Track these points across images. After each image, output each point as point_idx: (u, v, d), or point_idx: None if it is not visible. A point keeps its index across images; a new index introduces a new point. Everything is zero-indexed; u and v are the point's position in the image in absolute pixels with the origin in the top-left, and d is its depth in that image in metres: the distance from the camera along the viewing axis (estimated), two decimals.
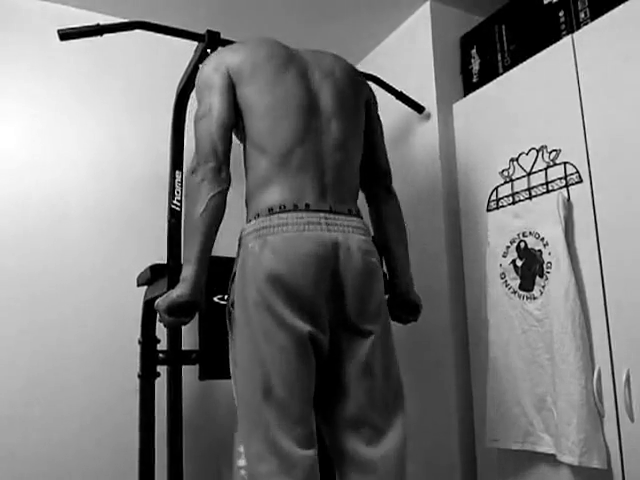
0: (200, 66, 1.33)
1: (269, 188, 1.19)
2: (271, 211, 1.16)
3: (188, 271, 1.14)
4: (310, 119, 1.23)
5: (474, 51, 1.97)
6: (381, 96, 1.98)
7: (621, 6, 1.41)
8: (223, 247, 1.59)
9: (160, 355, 1.53)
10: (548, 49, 1.60)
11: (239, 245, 1.21)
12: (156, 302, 1.17)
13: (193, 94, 1.73)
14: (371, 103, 1.41)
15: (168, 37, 1.59)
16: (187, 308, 1.16)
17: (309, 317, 1.12)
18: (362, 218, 1.26)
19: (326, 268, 1.14)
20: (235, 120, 1.24)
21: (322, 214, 1.17)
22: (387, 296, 1.40)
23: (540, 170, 1.58)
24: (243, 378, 1.14)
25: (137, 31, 1.55)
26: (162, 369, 1.59)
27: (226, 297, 1.25)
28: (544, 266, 1.51)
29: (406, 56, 2.12)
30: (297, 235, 1.14)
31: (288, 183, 1.18)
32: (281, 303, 1.10)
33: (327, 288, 1.14)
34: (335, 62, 1.34)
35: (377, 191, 1.41)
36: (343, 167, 1.25)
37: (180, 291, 1.14)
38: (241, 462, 1.15)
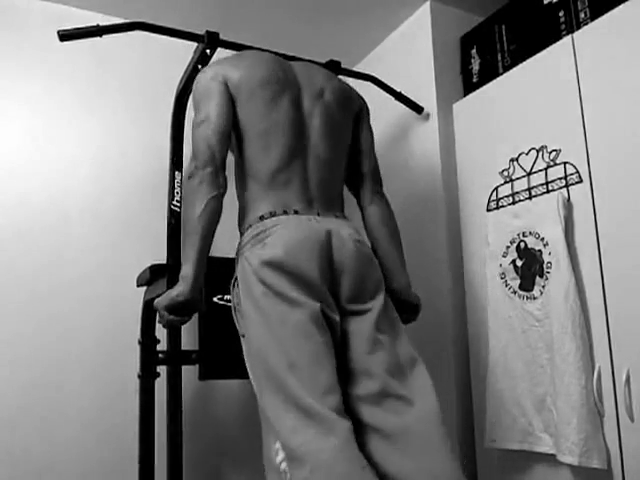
0: (197, 75, 1.34)
1: (259, 203, 1.26)
2: (262, 218, 1.23)
3: (187, 270, 1.16)
4: (298, 142, 1.30)
5: (474, 51, 1.97)
6: (381, 96, 2.00)
7: (621, 6, 1.40)
8: (222, 248, 1.60)
9: (160, 355, 1.53)
10: (548, 49, 1.60)
11: (237, 255, 1.26)
12: (155, 301, 1.18)
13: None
14: (362, 115, 1.47)
15: (168, 38, 1.59)
16: (186, 307, 1.16)
17: (317, 296, 1.15)
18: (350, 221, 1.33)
19: (323, 254, 1.18)
20: (232, 127, 1.29)
21: (312, 215, 1.24)
22: None
23: (540, 170, 1.57)
24: (263, 364, 1.13)
25: (137, 32, 1.56)
26: (162, 369, 1.59)
27: (229, 299, 1.25)
28: (544, 266, 1.50)
29: (406, 56, 2.12)
30: (292, 228, 1.20)
31: (276, 197, 1.25)
32: (288, 286, 1.13)
33: (326, 273, 1.18)
34: (326, 82, 1.40)
35: (365, 194, 1.44)
36: (327, 182, 1.32)
37: (179, 290, 1.15)
38: (280, 456, 1.07)
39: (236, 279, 1.23)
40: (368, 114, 1.50)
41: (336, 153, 1.36)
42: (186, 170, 1.26)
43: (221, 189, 1.23)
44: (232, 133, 1.31)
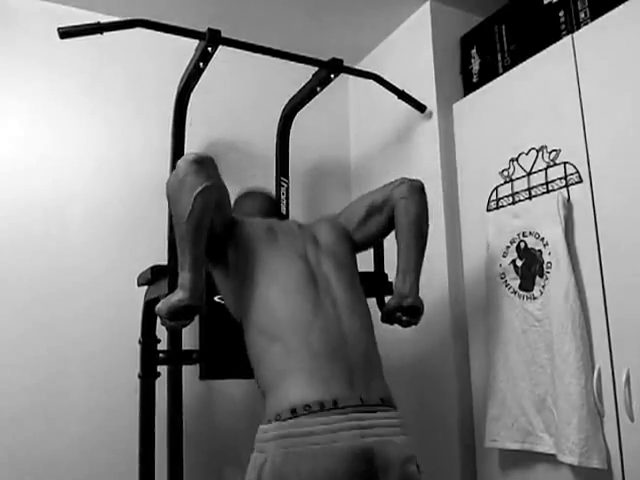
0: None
1: (288, 380, 1.05)
2: (294, 413, 1.01)
3: (184, 279, 1.11)
4: (318, 293, 1.16)
5: (474, 51, 1.97)
6: (381, 96, 2.00)
7: (621, 6, 1.41)
8: None
9: (160, 355, 1.53)
10: (548, 49, 1.60)
11: (257, 450, 1.05)
12: (157, 307, 1.16)
13: (194, 94, 1.75)
14: (347, 229, 1.37)
15: (169, 36, 1.59)
16: (188, 312, 1.15)
17: None
18: (395, 407, 1.13)
19: None
20: (217, 226, 1.18)
21: (354, 415, 1.03)
22: (389, 297, 1.40)
23: (540, 170, 1.58)
24: None
25: (140, 31, 1.55)
26: (162, 369, 1.59)
27: None
28: (544, 266, 1.51)
29: (406, 56, 2.12)
30: (326, 449, 0.99)
31: (309, 372, 1.05)
32: None
33: None
34: (318, 228, 1.34)
35: (394, 205, 1.36)
36: (364, 337, 1.16)
37: (179, 296, 1.12)
38: None
39: None
40: (338, 216, 1.41)
41: (357, 298, 1.22)
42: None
43: (210, 179, 1.10)
44: (235, 286, 1.20)
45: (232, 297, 1.23)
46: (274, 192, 1.88)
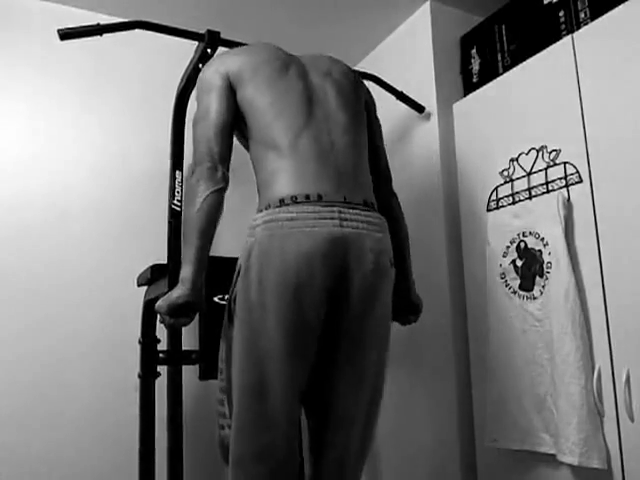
0: (202, 69, 1.34)
1: (279, 178, 1.17)
2: (282, 202, 1.14)
3: (186, 272, 1.14)
4: (313, 108, 1.24)
5: (474, 51, 1.97)
6: (381, 96, 1.99)
7: (621, 6, 1.41)
8: (223, 247, 1.60)
9: (160, 355, 1.53)
10: (548, 49, 1.60)
11: (248, 235, 1.18)
12: (157, 304, 1.17)
13: (193, 94, 1.75)
14: (370, 104, 1.43)
15: (168, 37, 1.59)
16: (187, 309, 1.15)
17: (310, 316, 1.12)
18: (377, 210, 1.24)
19: (334, 267, 1.12)
20: (234, 122, 1.26)
21: (336, 208, 1.15)
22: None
23: (540, 170, 1.58)
24: (239, 375, 1.14)
25: (137, 31, 1.55)
26: (162, 369, 1.59)
27: (230, 291, 1.24)
28: (544, 266, 1.51)
29: (406, 56, 2.12)
30: (306, 232, 1.11)
31: (299, 171, 1.16)
32: (283, 302, 1.10)
33: (333, 288, 1.13)
34: (332, 64, 1.38)
35: (380, 195, 1.39)
36: (354, 152, 1.24)
37: (179, 292, 1.14)
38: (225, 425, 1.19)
39: (239, 268, 1.16)
40: (375, 105, 1.46)
41: (357, 125, 1.29)
42: (187, 169, 1.23)
43: (220, 184, 1.18)
44: (239, 118, 1.26)
45: (244, 127, 1.29)
46: None
